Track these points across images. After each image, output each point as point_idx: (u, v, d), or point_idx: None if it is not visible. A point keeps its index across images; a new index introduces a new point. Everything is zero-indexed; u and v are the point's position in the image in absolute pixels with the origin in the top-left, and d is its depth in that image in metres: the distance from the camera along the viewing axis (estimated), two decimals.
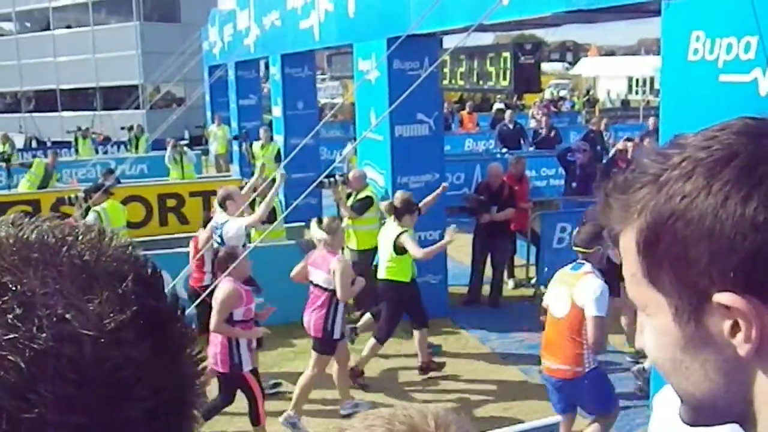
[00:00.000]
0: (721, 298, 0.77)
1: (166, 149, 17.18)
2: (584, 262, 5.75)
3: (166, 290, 0.73)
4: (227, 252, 6.70)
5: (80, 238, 0.70)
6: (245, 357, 6.36)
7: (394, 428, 0.98)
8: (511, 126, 18.40)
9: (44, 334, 0.62)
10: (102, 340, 0.63)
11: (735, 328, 0.77)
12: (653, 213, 0.80)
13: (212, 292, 6.65)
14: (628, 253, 0.85)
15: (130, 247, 0.72)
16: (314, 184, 7.75)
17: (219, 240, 7.79)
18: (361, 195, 9.51)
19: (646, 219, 0.81)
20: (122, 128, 27.07)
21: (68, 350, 0.62)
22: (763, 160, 0.77)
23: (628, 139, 13.85)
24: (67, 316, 0.63)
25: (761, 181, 0.76)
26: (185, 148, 17.35)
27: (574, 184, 12.91)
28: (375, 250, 9.61)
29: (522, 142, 17.99)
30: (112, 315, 0.65)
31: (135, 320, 0.66)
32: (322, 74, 24.38)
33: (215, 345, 6.35)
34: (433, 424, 0.98)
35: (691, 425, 0.88)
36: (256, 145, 15.87)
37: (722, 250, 0.76)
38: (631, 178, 0.84)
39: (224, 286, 6.35)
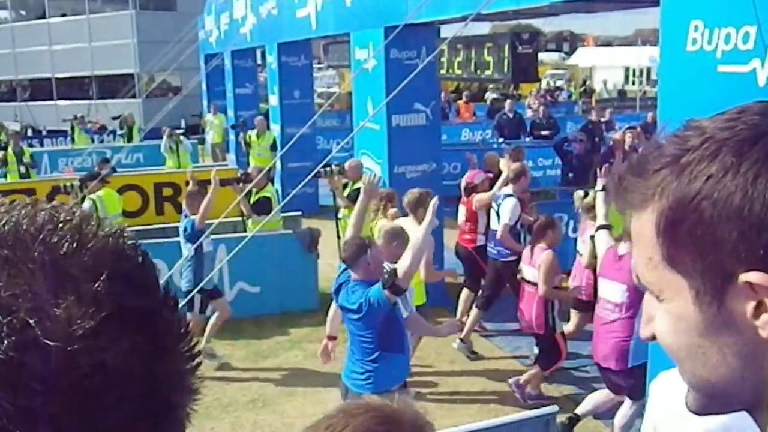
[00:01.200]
0: (749, 276, 0.75)
1: (162, 138, 17.14)
2: None
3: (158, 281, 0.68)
4: (547, 220, 7.12)
5: (60, 226, 0.64)
6: (558, 320, 6.98)
7: (351, 410, 1.11)
8: (511, 115, 18.38)
9: (5, 343, 0.58)
10: (69, 347, 0.59)
11: (759, 309, 0.76)
12: (676, 194, 0.79)
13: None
14: (642, 237, 0.83)
15: (116, 236, 0.67)
16: (312, 174, 7.74)
17: (496, 209, 8.30)
18: (358, 185, 9.48)
19: (667, 200, 0.80)
20: (114, 118, 26.98)
21: (31, 359, 0.58)
22: None
23: (631, 128, 13.81)
24: (31, 322, 0.59)
25: None
26: (181, 137, 17.31)
27: (570, 174, 12.92)
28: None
29: (521, 132, 17.95)
30: (82, 319, 0.60)
31: (110, 321, 0.61)
32: (318, 63, 24.28)
33: (529, 310, 6.98)
34: (391, 404, 1.11)
35: (699, 414, 0.87)
36: (252, 134, 15.84)
37: (752, 229, 0.74)
38: (646, 160, 0.83)
39: (546, 255, 6.75)
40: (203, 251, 7.84)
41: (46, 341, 0.58)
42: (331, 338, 6.45)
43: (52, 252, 0.62)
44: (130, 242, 0.67)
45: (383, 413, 1.06)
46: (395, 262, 5.47)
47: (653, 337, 0.87)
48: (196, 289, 6.84)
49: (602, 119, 16.34)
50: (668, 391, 1.95)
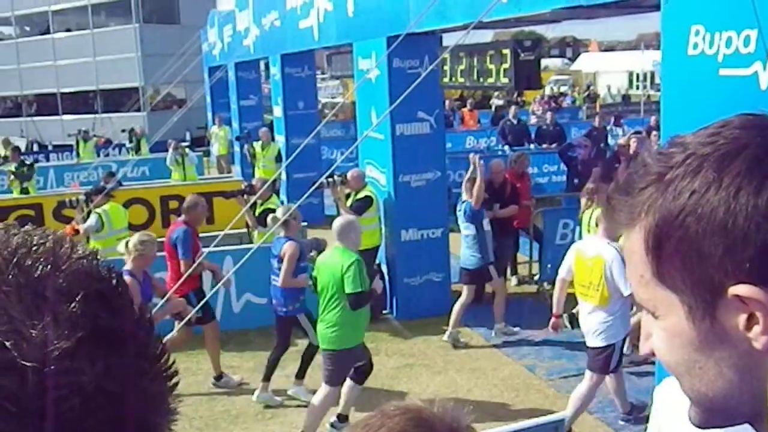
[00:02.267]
0: (738, 289, 0.76)
1: (167, 151, 17.18)
2: None
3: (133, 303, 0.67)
4: None
5: (34, 249, 0.64)
6: None
7: (388, 412, 1.07)
8: (515, 121, 18.38)
9: None
10: (45, 369, 0.58)
11: (750, 321, 0.77)
12: (661, 211, 0.79)
13: None
14: (633, 254, 0.84)
15: (90, 258, 0.67)
16: (316, 184, 7.75)
17: None
18: (361, 195, 9.50)
19: (654, 218, 0.80)
20: (123, 131, 27.09)
21: (8, 381, 0.57)
22: None
23: (637, 132, 13.81)
24: (7, 344, 0.58)
25: None
26: (187, 150, 17.34)
27: (576, 180, 12.90)
28: (376, 249, 9.61)
29: (525, 139, 17.92)
30: (58, 341, 0.59)
31: (86, 343, 0.60)
32: (322, 74, 24.36)
33: None
34: (430, 407, 1.08)
35: (701, 428, 0.87)
36: (257, 146, 15.88)
37: (737, 243, 0.75)
38: (633, 179, 0.83)
39: None
40: (484, 229, 8.76)
41: (23, 363, 0.58)
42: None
43: (27, 274, 0.62)
44: (103, 264, 0.67)
45: (420, 416, 1.06)
46: None
47: (653, 353, 0.88)
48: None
49: (607, 126, 16.34)
50: (673, 397, 1.94)
